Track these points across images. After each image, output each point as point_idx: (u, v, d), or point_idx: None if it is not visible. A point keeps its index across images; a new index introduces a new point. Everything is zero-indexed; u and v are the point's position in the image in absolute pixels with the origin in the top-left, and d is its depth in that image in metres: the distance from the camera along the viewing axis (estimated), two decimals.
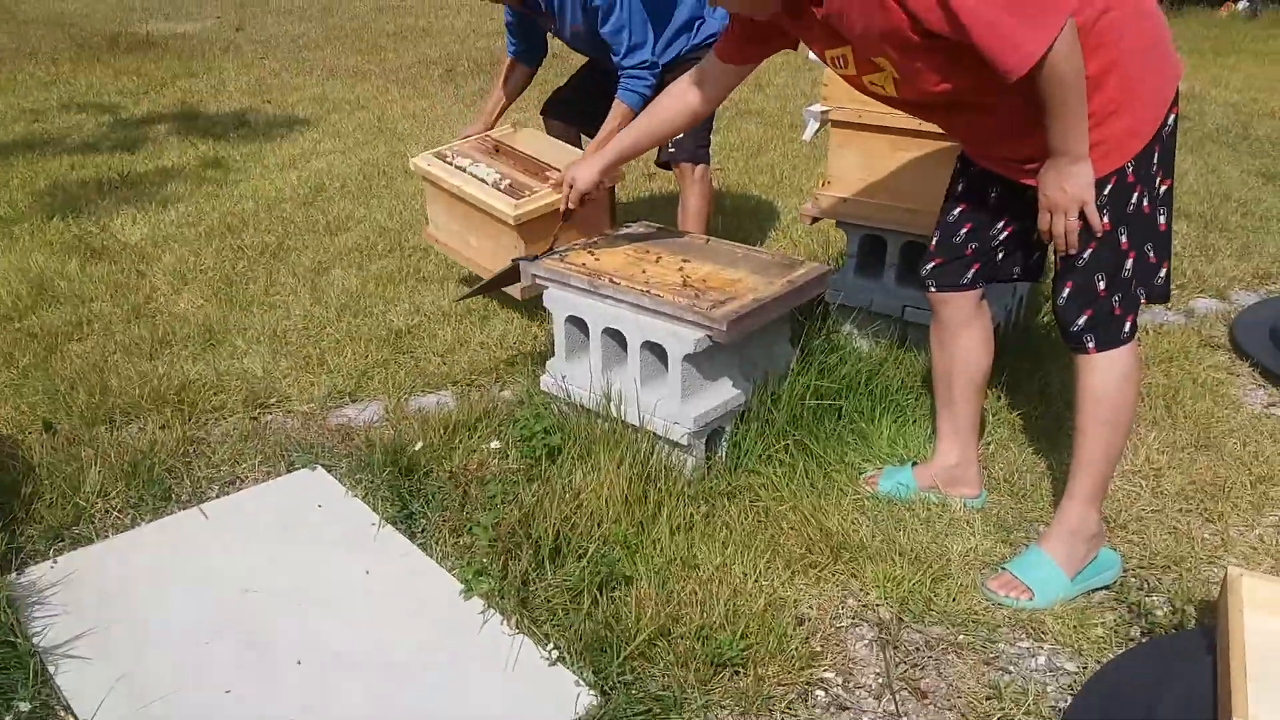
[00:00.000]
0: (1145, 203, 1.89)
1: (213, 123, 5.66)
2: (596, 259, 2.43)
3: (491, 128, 3.30)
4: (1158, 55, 1.85)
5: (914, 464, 2.36)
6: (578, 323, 2.37)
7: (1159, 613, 1.99)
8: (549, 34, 3.18)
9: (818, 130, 2.77)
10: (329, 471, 2.43)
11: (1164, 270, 1.99)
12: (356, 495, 2.33)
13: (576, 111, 3.27)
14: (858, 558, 2.11)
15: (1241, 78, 6.82)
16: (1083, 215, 1.85)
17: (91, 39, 7.87)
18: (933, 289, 2.19)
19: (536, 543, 2.03)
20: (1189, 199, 4.40)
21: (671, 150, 3.10)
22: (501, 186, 2.85)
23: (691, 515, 2.17)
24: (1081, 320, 1.95)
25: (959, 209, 2.15)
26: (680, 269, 2.37)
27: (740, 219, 4.11)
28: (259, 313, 3.27)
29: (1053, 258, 1.99)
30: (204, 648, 1.89)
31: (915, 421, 2.57)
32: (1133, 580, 2.10)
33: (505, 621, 1.93)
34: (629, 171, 4.49)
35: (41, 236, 3.89)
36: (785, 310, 2.33)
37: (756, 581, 2.02)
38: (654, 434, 2.28)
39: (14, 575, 2.05)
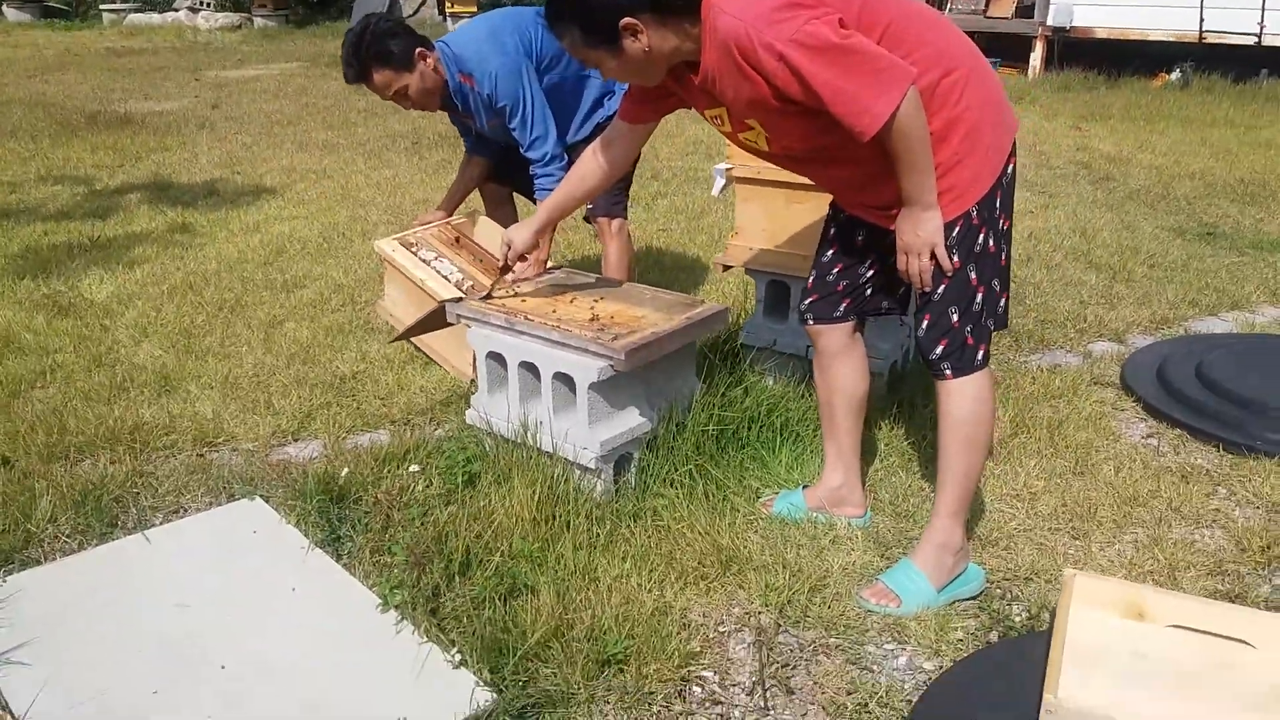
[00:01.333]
0: (990, 242, 2.12)
1: (183, 192, 5.90)
2: (517, 300, 2.64)
3: (452, 214, 3.58)
4: (994, 111, 2.09)
5: (805, 487, 2.56)
6: (498, 358, 2.58)
7: (1016, 619, 2.18)
8: None
9: (724, 186, 3.02)
10: (266, 502, 2.60)
11: (1003, 300, 2.21)
12: (289, 522, 2.50)
13: (507, 172, 3.56)
14: (745, 570, 2.29)
15: (1168, 142, 7.18)
16: (934, 256, 2.08)
17: (71, 117, 8.15)
18: (810, 322, 2.42)
19: (448, 558, 2.21)
20: (1101, 252, 4.68)
21: (590, 207, 3.36)
22: (464, 288, 3.07)
23: (595, 533, 2.35)
24: (939, 349, 2.15)
25: (830, 251, 2.38)
26: (591, 308, 2.58)
27: (677, 273, 4.35)
28: (213, 362, 3.46)
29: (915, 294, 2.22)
30: (136, 655, 2.05)
31: (813, 451, 2.77)
32: (996, 590, 2.28)
33: (416, 630, 2.10)
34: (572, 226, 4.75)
35: (12, 295, 4.09)
36: (683, 343, 2.54)
37: (650, 591, 2.20)
38: (565, 459, 2.47)
39: None
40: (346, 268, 4.47)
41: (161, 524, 2.53)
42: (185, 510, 2.60)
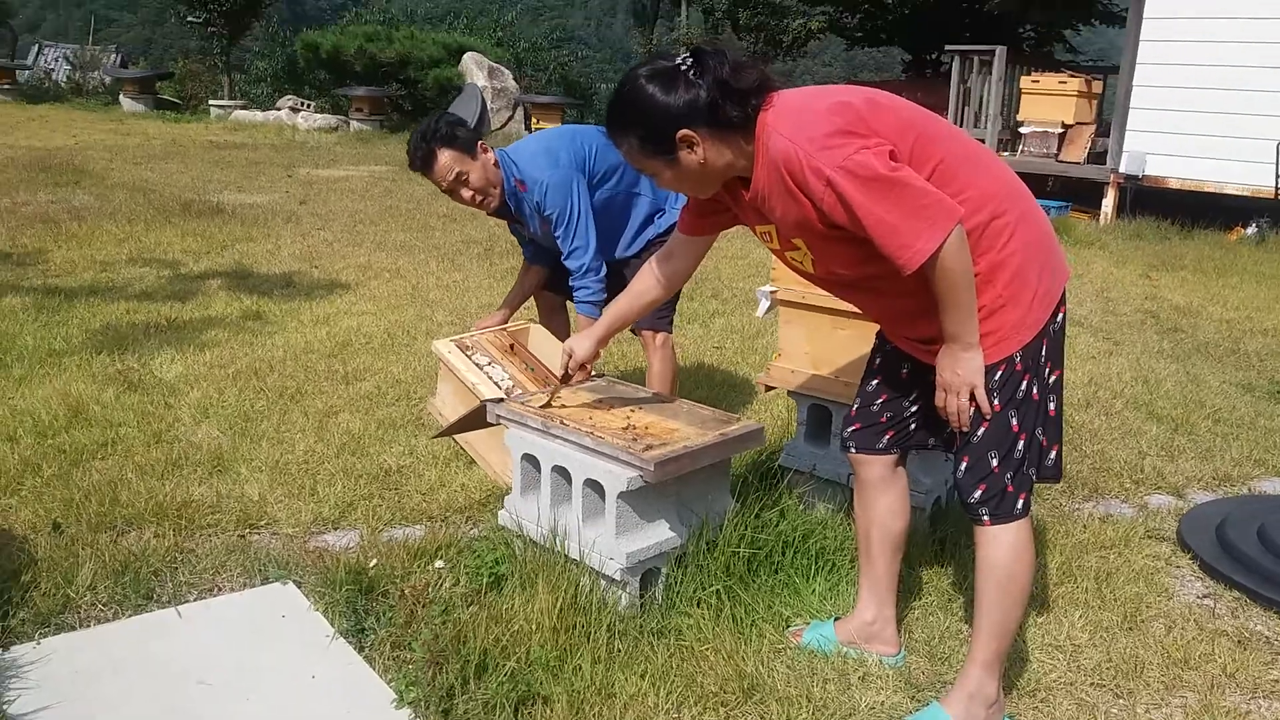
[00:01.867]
0: (1035, 390, 2.08)
1: (261, 281, 6.14)
2: (556, 404, 2.69)
3: (509, 318, 3.73)
4: (1043, 256, 2.09)
5: (836, 619, 2.51)
6: (533, 461, 2.61)
7: None
8: None
9: (769, 308, 3.06)
10: (298, 587, 2.64)
11: (1054, 452, 2.17)
12: (318, 609, 2.53)
13: (561, 282, 3.68)
14: (768, 700, 2.24)
15: (1240, 296, 7.08)
16: (974, 397, 2.06)
17: (167, 204, 8.59)
18: (852, 450, 2.40)
19: (465, 659, 2.21)
20: (1163, 403, 4.59)
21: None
22: (513, 395, 3.15)
23: (616, 647, 2.33)
24: (977, 494, 2.11)
25: (875, 380, 2.38)
26: (627, 418, 2.61)
27: (725, 391, 4.38)
28: (267, 446, 3.55)
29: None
30: None
31: (849, 582, 2.72)
32: None
33: None
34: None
35: (87, 369, 4.26)
36: (717, 459, 2.54)
37: (667, 713, 2.16)
38: (592, 569, 2.47)
39: (0, 652, 2.27)
40: (406, 364, 4.59)
41: (195, 600, 2.57)
42: (219, 589, 2.65)
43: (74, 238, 7.08)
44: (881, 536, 2.41)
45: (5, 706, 2.08)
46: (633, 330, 3.52)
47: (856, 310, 2.82)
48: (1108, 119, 10.88)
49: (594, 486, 2.46)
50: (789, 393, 3.12)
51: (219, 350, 4.67)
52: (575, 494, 2.50)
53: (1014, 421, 2.08)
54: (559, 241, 3.32)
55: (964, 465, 2.12)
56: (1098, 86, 11.17)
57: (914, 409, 2.34)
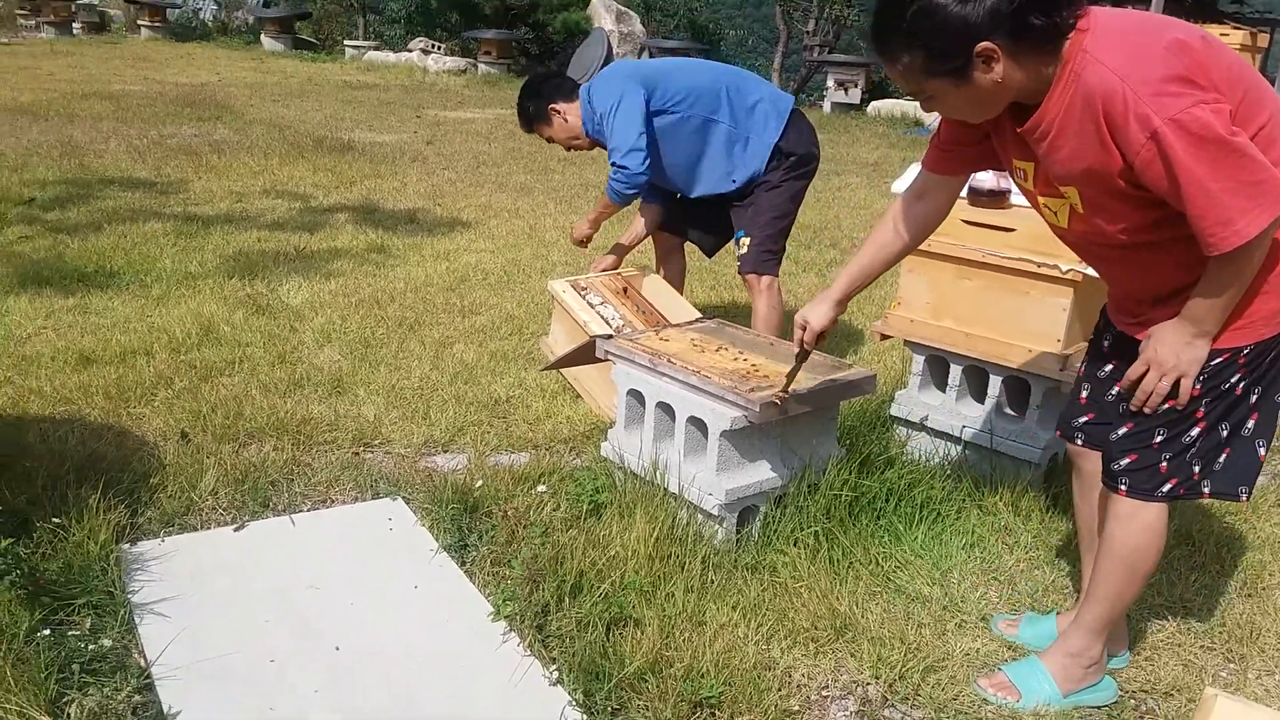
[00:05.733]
0: (1241, 387, 1.87)
1: (386, 216, 6.32)
2: (664, 343, 2.70)
3: (623, 257, 3.81)
4: None
5: (1057, 613, 2.36)
6: (638, 396, 2.64)
7: None
8: None
9: None
10: (407, 504, 2.74)
11: (1244, 488, 1.96)
12: (424, 525, 2.63)
13: (678, 221, 3.75)
14: (860, 639, 2.24)
15: None
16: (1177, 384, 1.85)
17: (301, 140, 8.89)
18: (1079, 442, 2.19)
19: (561, 579, 2.27)
20: None
21: (738, 263, 3.42)
22: (622, 333, 3.18)
23: (709, 578, 2.35)
24: (1125, 461, 1.95)
25: (1109, 366, 2.12)
26: (736, 358, 2.61)
27: (838, 340, 4.32)
28: (384, 371, 3.68)
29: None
30: (263, 625, 2.20)
31: (953, 532, 2.68)
32: (1130, 701, 2.14)
33: (521, 643, 2.16)
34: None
35: (219, 292, 4.48)
36: (824, 404, 2.52)
37: (756, 644, 2.18)
38: (690, 503, 2.49)
39: (127, 545, 2.43)
40: (520, 300, 4.67)
41: (308, 510, 2.70)
42: (332, 501, 2.77)
43: (213, 169, 7.41)
44: None
45: (130, 595, 2.23)
46: (739, 272, 3.50)
47: (982, 259, 2.76)
48: (1271, 74, 10.18)
49: (697, 424, 2.48)
50: (905, 343, 3.06)
51: (343, 280, 4.84)
52: (678, 430, 2.52)
53: (1201, 408, 1.89)
54: (606, 140, 3.41)
55: (1124, 430, 1.96)
56: (1263, 40, 10.45)
57: None
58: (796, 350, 2.32)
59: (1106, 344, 2.12)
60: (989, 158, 2.04)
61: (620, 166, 3.35)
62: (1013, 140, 1.89)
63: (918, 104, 1.89)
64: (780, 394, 2.36)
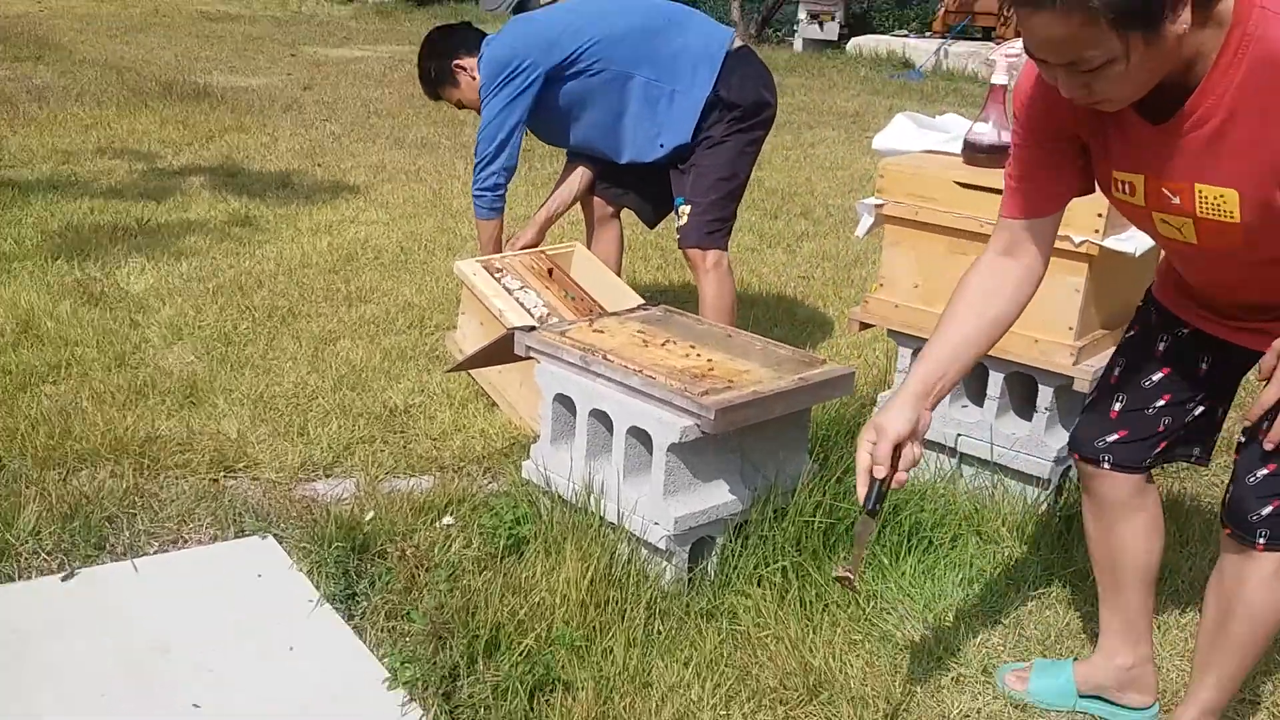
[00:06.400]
0: None
1: (252, 180, 6.23)
2: (599, 335, 2.69)
3: (547, 228, 3.86)
4: None
5: (1075, 660, 2.39)
6: (567, 403, 2.62)
7: None
8: None
9: (872, 226, 3.01)
10: (279, 542, 2.70)
11: None
12: (301, 569, 2.58)
13: (615, 184, 3.79)
14: (838, 700, 2.25)
15: None
16: None
17: (145, 85, 8.74)
18: (1106, 464, 2.16)
19: (474, 634, 2.24)
20: None
21: (679, 236, 3.43)
22: (547, 324, 3.16)
23: (655, 628, 2.35)
24: (1266, 510, 1.90)
25: (1159, 374, 2.11)
26: (686, 355, 2.61)
27: (810, 329, 4.36)
28: (250, 375, 3.62)
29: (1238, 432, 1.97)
30: (99, 700, 2.15)
31: (947, 565, 2.70)
32: None
33: (425, 715, 2.13)
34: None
35: (41, 277, 4.37)
36: (793, 408, 2.53)
37: (714, 709, 2.18)
38: (632, 535, 2.48)
39: None
40: (421, 285, 4.63)
41: (155, 553, 2.65)
42: (185, 541, 2.72)
43: (32, 122, 7.26)
44: (1135, 566, 2.23)
45: None
46: (679, 246, 3.50)
47: (978, 230, 2.77)
48: None
49: (639, 436, 2.47)
50: (889, 333, 3.08)
51: (198, 260, 4.76)
52: (617, 445, 2.51)
53: None
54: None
55: (1263, 472, 1.90)
56: None
57: (1198, 411, 2.13)
58: (863, 487, 1.87)
59: (1162, 346, 2.11)
60: (1084, 176, 1.94)
61: (476, 177, 3.56)
62: (1124, 144, 1.80)
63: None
64: (847, 569, 1.92)
